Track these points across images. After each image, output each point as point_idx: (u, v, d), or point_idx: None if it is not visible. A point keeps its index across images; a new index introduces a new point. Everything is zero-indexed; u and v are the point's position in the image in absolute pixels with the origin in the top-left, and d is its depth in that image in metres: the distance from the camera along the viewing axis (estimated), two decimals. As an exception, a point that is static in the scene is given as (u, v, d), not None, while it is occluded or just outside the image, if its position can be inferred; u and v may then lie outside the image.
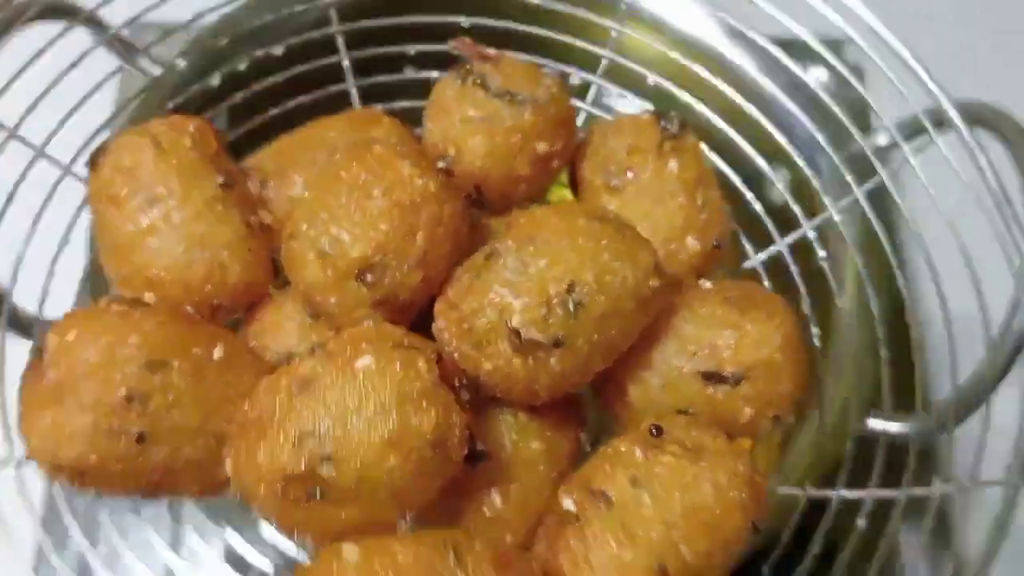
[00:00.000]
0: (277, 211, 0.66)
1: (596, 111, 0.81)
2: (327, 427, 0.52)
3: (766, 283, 0.76)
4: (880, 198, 0.74)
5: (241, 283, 0.63)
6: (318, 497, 0.52)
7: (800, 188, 0.77)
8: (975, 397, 0.64)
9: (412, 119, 0.71)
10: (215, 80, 0.76)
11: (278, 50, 0.77)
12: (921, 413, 0.69)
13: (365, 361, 0.53)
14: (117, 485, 0.56)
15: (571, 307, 0.55)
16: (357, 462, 0.51)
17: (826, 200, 0.77)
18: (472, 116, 0.65)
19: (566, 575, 0.54)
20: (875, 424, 0.69)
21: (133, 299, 0.60)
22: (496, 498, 0.59)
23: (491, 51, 0.66)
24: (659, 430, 0.58)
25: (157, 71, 0.78)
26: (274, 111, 0.76)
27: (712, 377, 0.60)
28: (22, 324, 0.67)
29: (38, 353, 0.56)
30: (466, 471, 0.56)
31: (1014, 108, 0.67)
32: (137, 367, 0.55)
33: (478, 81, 0.65)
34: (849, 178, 0.75)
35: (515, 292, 0.56)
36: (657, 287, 0.58)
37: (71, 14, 0.73)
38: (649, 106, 0.80)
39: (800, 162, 0.78)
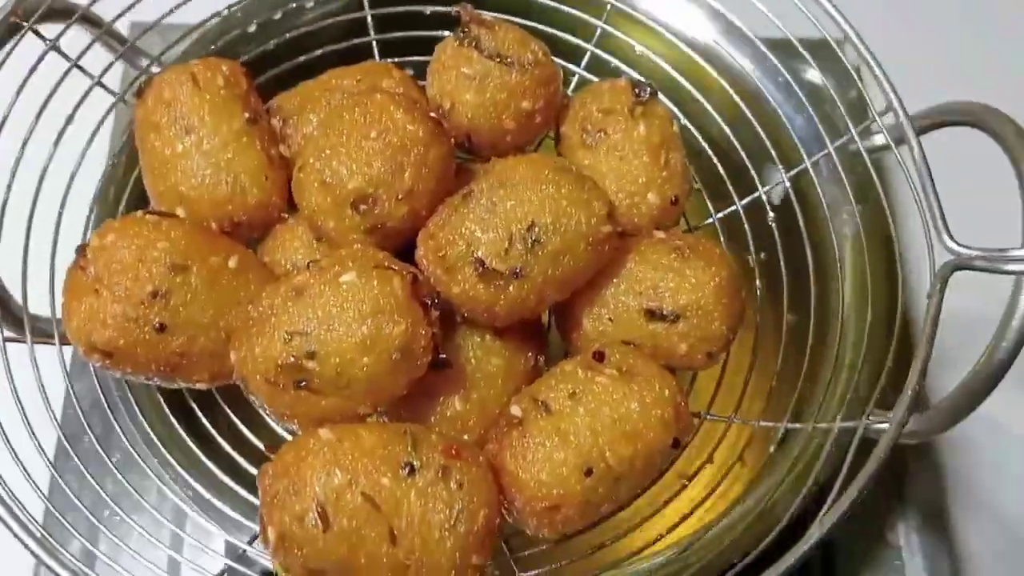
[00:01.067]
0: (294, 146, 0.76)
1: (589, 75, 0.89)
2: (313, 328, 0.62)
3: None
4: (877, 197, 0.78)
5: (259, 204, 0.73)
6: (303, 386, 0.62)
7: (797, 185, 0.82)
8: (973, 397, 0.67)
9: (424, 72, 0.79)
10: (252, 27, 0.85)
11: (309, 2, 0.86)
12: (920, 413, 0.71)
13: (349, 276, 0.63)
14: (140, 366, 0.66)
15: (529, 244, 0.65)
16: (336, 359, 0.62)
17: (823, 198, 0.82)
18: (466, 74, 0.73)
19: (508, 469, 0.64)
20: (874, 423, 0.71)
21: (165, 212, 0.71)
22: (457, 402, 0.69)
23: (488, 17, 0.75)
24: (601, 356, 0.67)
25: (156, 70, 0.84)
26: (302, 58, 0.85)
27: (654, 314, 0.69)
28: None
29: (82, 251, 0.66)
30: (432, 376, 0.66)
31: (1013, 110, 0.71)
32: (162, 268, 0.65)
33: (474, 43, 0.74)
34: (845, 177, 0.81)
35: (483, 228, 0.65)
36: (608, 232, 0.67)
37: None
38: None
39: (799, 160, 0.83)
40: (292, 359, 0.62)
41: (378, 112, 0.68)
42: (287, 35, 0.85)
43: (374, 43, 0.87)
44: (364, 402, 0.64)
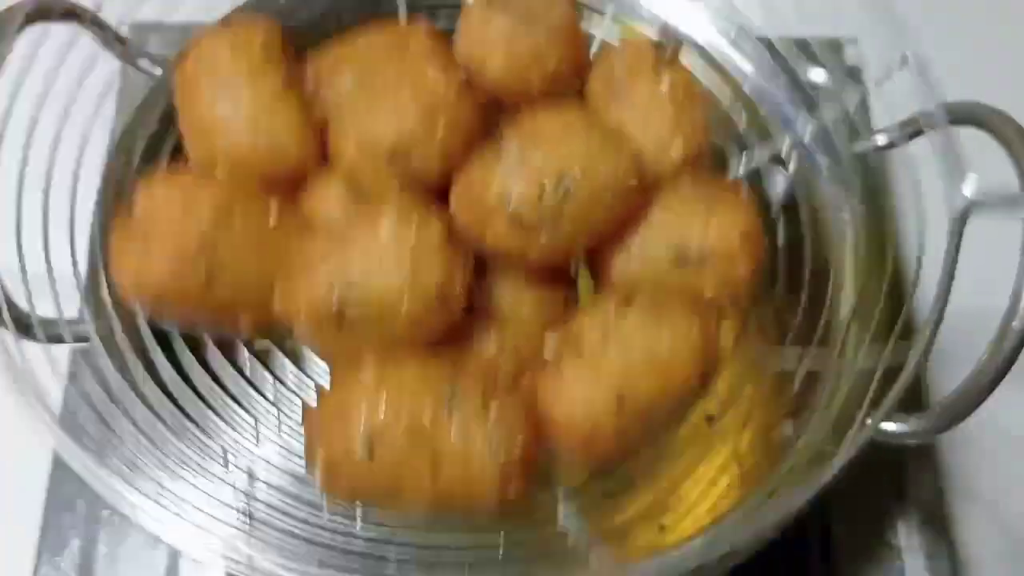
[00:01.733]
0: (329, 104, 0.78)
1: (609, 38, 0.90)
2: (354, 274, 0.65)
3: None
4: (879, 198, 0.80)
5: (297, 162, 0.75)
6: (344, 329, 0.65)
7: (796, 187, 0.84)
8: (974, 397, 0.67)
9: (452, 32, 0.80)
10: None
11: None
12: (920, 413, 0.71)
13: (388, 223, 0.65)
14: (188, 316, 0.69)
15: (560, 194, 0.67)
16: (376, 303, 0.65)
17: (824, 200, 0.84)
18: (493, 36, 0.76)
19: (543, 408, 0.67)
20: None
21: (207, 171, 0.74)
22: (491, 346, 0.71)
23: (513, -23, 0.77)
24: (630, 297, 0.69)
25: (157, 72, 0.87)
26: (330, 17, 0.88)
27: (680, 259, 0.72)
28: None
29: (128, 204, 0.69)
30: (465, 322, 0.69)
31: (1014, 110, 0.72)
32: (207, 222, 0.68)
33: (500, 4, 0.76)
34: (848, 179, 0.82)
35: (514, 179, 0.68)
36: (635, 183, 0.70)
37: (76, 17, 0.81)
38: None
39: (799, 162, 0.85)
40: (334, 303, 0.64)
41: (412, 70, 0.70)
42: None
43: (403, 8, 0.88)
44: (402, 344, 0.67)
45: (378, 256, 0.65)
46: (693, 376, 0.67)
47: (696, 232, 0.71)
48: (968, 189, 0.70)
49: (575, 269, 0.78)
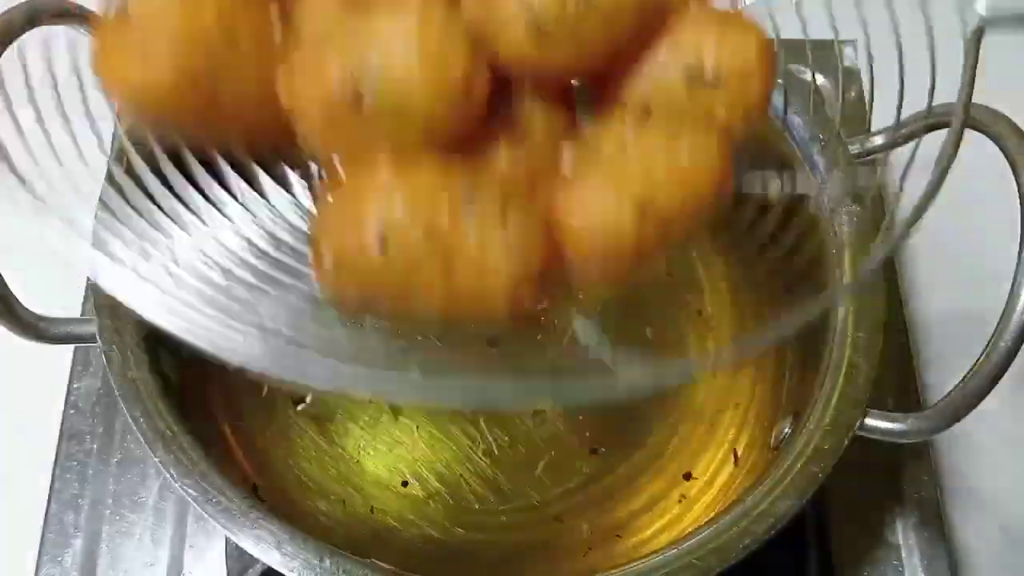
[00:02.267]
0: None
1: None
2: (373, 58, 0.61)
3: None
4: (877, 198, 0.81)
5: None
6: (360, 118, 0.62)
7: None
8: (971, 397, 0.68)
9: None
10: None
11: None
12: (918, 413, 0.72)
13: (412, 9, 0.62)
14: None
15: (581, 6, 0.65)
16: (396, 92, 0.62)
17: (823, 200, 0.83)
18: None
19: (561, 220, 0.65)
20: (873, 422, 0.73)
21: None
22: (505, 159, 0.68)
23: None
24: (647, 111, 0.69)
25: None
26: None
27: (694, 78, 0.69)
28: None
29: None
30: (480, 133, 0.67)
31: (1012, 111, 0.74)
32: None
33: None
34: (846, 178, 0.82)
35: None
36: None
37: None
38: None
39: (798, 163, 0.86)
40: (350, 88, 0.61)
41: None
42: None
43: None
44: (419, 141, 0.64)
45: (401, 41, 0.62)
46: (712, 191, 0.66)
47: (710, 51, 0.69)
48: (980, 6, 0.70)
49: (579, 94, 0.73)
